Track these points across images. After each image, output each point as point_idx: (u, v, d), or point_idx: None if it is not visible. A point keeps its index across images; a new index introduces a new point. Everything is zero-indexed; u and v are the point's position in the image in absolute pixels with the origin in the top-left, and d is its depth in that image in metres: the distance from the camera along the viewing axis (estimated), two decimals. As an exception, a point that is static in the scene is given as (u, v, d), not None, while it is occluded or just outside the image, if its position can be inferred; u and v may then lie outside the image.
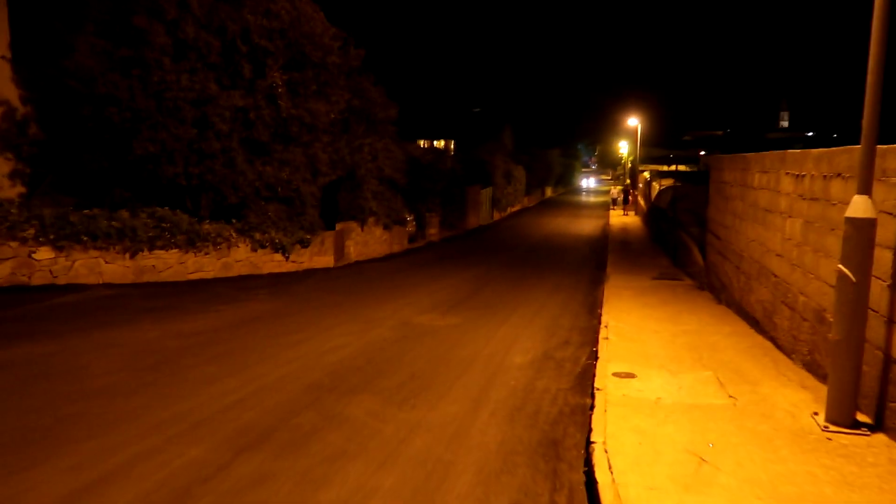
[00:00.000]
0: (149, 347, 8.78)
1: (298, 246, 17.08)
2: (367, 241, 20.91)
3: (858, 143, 5.74)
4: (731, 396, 6.72)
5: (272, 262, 16.57)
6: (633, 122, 43.14)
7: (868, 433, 5.54)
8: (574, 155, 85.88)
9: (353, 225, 19.96)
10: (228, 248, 15.54)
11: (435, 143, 44.90)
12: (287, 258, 16.82)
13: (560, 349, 9.38)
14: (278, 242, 16.30)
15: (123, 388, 6.95)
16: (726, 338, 9.61)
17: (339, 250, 19.35)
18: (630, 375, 7.47)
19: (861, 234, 5.54)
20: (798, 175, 8.52)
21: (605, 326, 10.43)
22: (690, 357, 8.47)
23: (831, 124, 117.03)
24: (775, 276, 9.23)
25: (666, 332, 10.12)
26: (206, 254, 15.12)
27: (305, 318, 11.17)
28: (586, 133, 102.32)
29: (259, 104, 15.12)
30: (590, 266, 20.16)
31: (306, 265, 17.46)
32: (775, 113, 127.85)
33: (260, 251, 16.21)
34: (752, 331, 10.02)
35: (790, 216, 8.78)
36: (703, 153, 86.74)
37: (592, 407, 6.63)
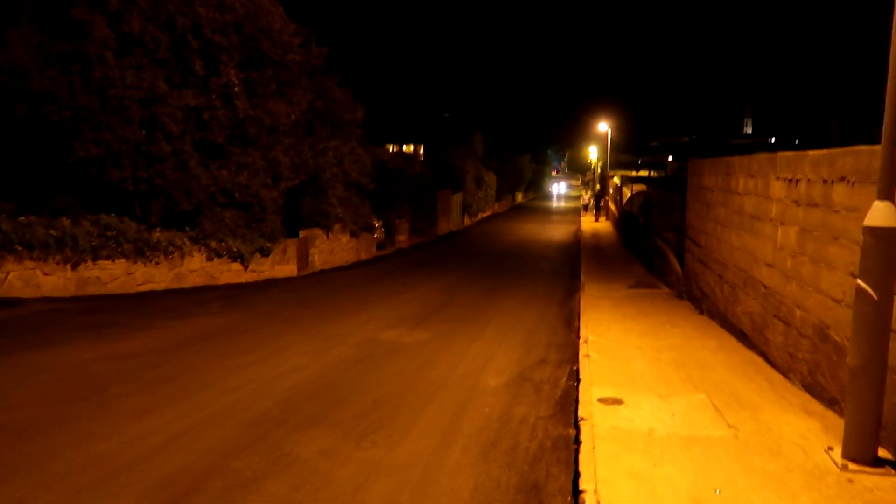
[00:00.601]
0: (77, 372, 7.76)
1: (258, 254, 16.08)
2: (333, 249, 19.96)
3: (827, 147, 5.05)
4: (731, 426, 5.97)
5: (230, 272, 15.54)
6: (604, 126, 42.81)
7: (894, 472, 4.83)
8: (544, 161, 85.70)
9: (318, 232, 19.00)
10: (181, 257, 14.49)
11: (404, 147, 44.05)
12: (246, 268, 15.80)
13: (538, 369, 8.58)
14: (236, 251, 15.28)
15: (32, 425, 5.95)
16: (714, 353, 8.91)
17: (303, 259, 18.37)
18: (617, 401, 6.69)
19: (883, 246, 4.83)
20: (791, 179, 7.85)
21: (585, 342, 9.67)
22: (679, 377, 7.74)
23: (792, 130, 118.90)
24: (765, 287, 8.56)
25: (649, 347, 9.39)
26: (157, 264, 14.05)
27: (260, 334, 10.21)
28: (556, 139, 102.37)
29: (214, 104, 14.12)
30: (564, 274, 19.47)
31: (267, 275, 16.46)
32: (740, 119, 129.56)
33: (216, 260, 15.18)
34: (741, 345, 9.34)
35: (782, 223, 8.11)
36: (670, 159, 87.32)
37: (577, 441, 5.83)
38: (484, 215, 44.02)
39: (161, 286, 14.18)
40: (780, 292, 7.98)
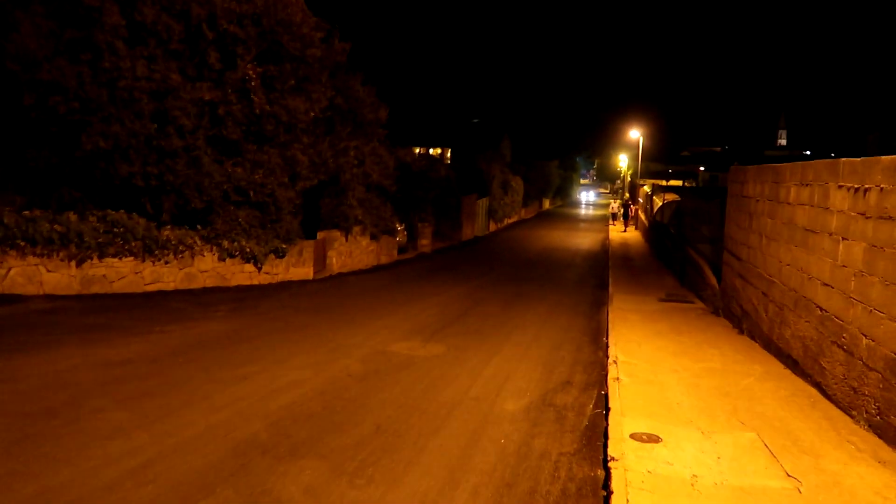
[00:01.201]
0: (57, 381, 7.07)
1: (272, 256, 15.39)
2: (352, 252, 19.23)
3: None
4: (790, 476, 5.04)
5: (242, 274, 14.87)
6: (635, 134, 41.59)
7: None
8: (572, 167, 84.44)
9: (337, 234, 18.29)
10: (192, 256, 13.84)
11: (430, 151, 43.31)
12: (259, 269, 15.12)
13: (561, 392, 7.69)
14: (249, 252, 14.61)
15: (-13, 447, 5.24)
16: (760, 381, 7.94)
17: (320, 261, 17.66)
18: (653, 438, 5.78)
19: None
20: (857, 188, 6.87)
21: (614, 362, 8.75)
22: (723, 408, 6.80)
23: (828, 142, 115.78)
24: (822, 309, 7.57)
25: (686, 370, 8.45)
26: (166, 263, 13.42)
27: (263, 343, 9.46)
28: (585, 146, 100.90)
29: (229, 98, 13.48)
30: (590, 284, 18.50)
31: (281, 277, 15.77)
32: (773, 130, 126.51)
33: (228, 261, 14.52)
34: (790, 372, 8.35)
35: (844, 238, 7.13)
36: (702, 169, 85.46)
37: (607, 487, 4.95)
38: (510, 221, 43.10)
39: (170, 286, 13.55)
40: (841, 317, 6.99)
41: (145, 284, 13.19)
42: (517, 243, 30.91)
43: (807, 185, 8.45)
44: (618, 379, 7.85)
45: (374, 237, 20.59)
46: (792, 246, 8.84)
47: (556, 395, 7.56)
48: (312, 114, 14.84)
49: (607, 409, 6.78)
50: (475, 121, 72.74)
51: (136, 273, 13.02)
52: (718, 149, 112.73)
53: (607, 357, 9.46)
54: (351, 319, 11.45)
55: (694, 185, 71.72)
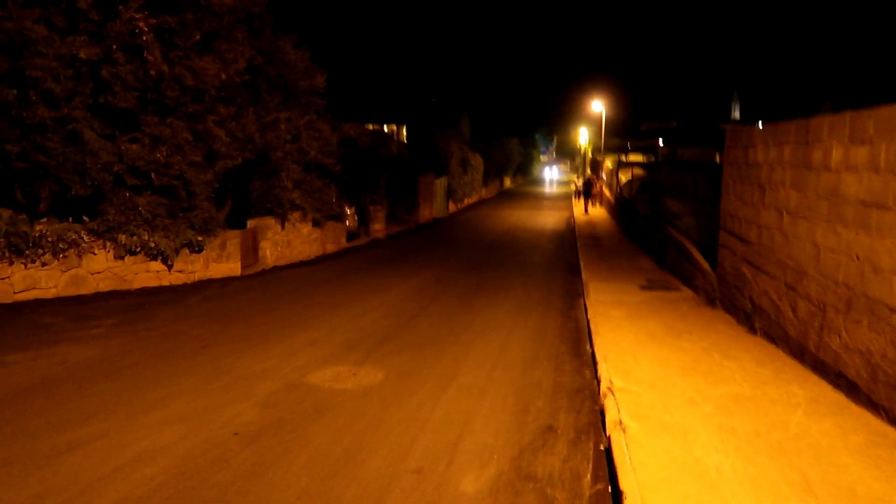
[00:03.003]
0: None
1: (186, 251, 12.64)
2: (290, 241, 16.52)
3: None
4: None
5: (148, 274, 12.10)
6: (598, 106, 39.30)
7: None
8: (533, 144, 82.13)
9: (270, 221, 15.55)
10: (79, 255, 11.04)
11: (385, 128, 40.43)
12: (170, 267, 12.37)
13: (542, 450, 5.25)
14: (154, 247, 11.84)
15: None
16: (814, 418, 5.63)
17: (250, 254, 14.94)
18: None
19: None
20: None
21: (609, 390, 6.37)
22: (787, 478, 4.45)
23: (781, 113, 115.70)
24: (903, 316, 5.28)
25: (706, 399, 6.11)
26: (44, 265, 10.61)
27: (133, 377, 6.83)
28: (544, 123, 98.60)
29: (114, 57, 10.62)
30: (560, 269, 16.16)
31: (199, 275, 13.02)
32: (727, 103, 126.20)
33: (129, 259, 11.74)
34: (846, 399, 6.07)
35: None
36: (661, 143, 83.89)
37: None
38: (470, 201, 40.59)
39: (50, 293, 10.75)
40: (949, 331, 4.70)
41: (15, 293, 10.36)
42: (479, 224, 28.46)
43: (865, 142, 6.11)
44: (620, 424, 5.45)
45: (317, 223, 17.89)
46: (838, 226, 6.53)
47: (536, 455, 5.12)
48: (224, 76, 12.01)
49: (617, 492, 4.36)
50: (433, 100, 69.82)
51: (2, 279, 10.19)
52: (674, 123, 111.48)
53: (597, 379, 7.07)
54: (268, 332, 8.85)
55: (654, 159, 70.15)
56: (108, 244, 11.40)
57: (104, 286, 11.43)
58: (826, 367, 6.61)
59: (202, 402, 6.07)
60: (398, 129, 42.53)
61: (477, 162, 40.75)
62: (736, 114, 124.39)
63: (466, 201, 38.88)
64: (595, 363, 7.64)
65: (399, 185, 27.68)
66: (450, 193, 34.41)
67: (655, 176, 19.94)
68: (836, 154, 6.62)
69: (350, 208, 22.03)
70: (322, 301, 11.28)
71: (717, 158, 71.21)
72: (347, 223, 21.64)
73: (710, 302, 11.15)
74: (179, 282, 12.57)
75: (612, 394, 6.26)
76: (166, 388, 6.44)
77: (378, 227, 23.45)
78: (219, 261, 13.51)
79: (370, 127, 26.79)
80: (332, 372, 7.11)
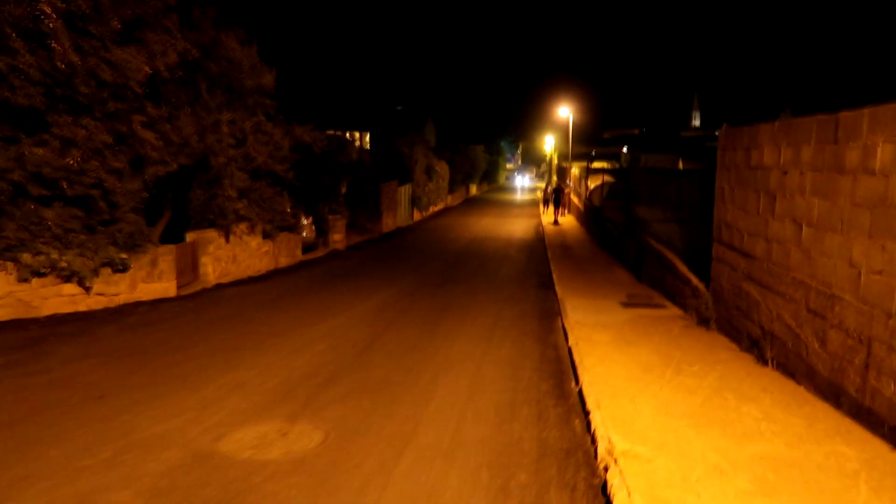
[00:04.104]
0: None
1: (108, 270, 10.84)
2: (236, 256, 14.78)
3: None
4: None
5: (60, 299, 10.29)
6: (564, 112, 38.18)
7: None
8: (498, 152, 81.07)
9: (212, 234, 13.80)
10: (-29, 279, 9.19)
11: (349, 134, 38.68)
12: (88, 290, 10.57)
13: (531, 563, 3.73)
14: (67, 267, 10.03)
15: None
16: (886, 497, 4.22)
17: (189, 271, 13.17)
18: None
19: None
20: None
21: (610, 454, 4.89)
22: None
23: (738, 123, 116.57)
24: None
25: (739, 468, 4.65)
26: (-76, 291, 8.74)
27: (-10, 449, 5.11)
28: (510, 130, 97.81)
29: (12, 46, 8.85)
30: (532, 284, 14.73)
31: (124, 298, 11.23)
32: (688, 111, 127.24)
33: (36, 281, 9.92)
34: (915, 465, 4.69)
35: None
36: (625, 149, 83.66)
37: None
38: (436, 209, 39.09)
39: (-67, 325, 8.89)
40: None
41: None
42: (444, 234, 26.95)
43: (926, 138, 4.76)
44: (635, 516, 3.96)
45: (267, 235, 16.17)
46: (889, 242, 5.17)
47: (523, 574, 3.59)
48: (149, 69, 10.27)
49: None
50: (399, 108, 68.37)
51: None
52: (637, 130, 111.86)
53: (591, 434, 5.59)
54: (188, 373, 7.17)
55: (618, 165, 69.73)
56: (10, 265, 9.57)
57: (4, 314, 9.59)
58: (875, 417, 5.23)
59: (65, 490, 4.40)
60: (361, 135, 40.89)
61: (442, 169, 39.30)
62: (696, 121, 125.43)
63: (432, 209, 37.38)
64: (586, 410, 6.16)
65: (361, 193, 26.05)
66: (414, 201, 32.87)
67: (631, 182, 18.67)
68: (885, 153, 5.27)
69: (307, 218, 20.34)
70: (262, 328, 9.62)
71: (680, 165, 70.98)
72: (304, 234, 19.95)
73: (703, 322, 9.81)
74: (100, 306, 10.77)
75: (615, 461, 4.78)
76: (24, 467, 4.75)
77: (338, 238, 21.77)
78: (149, 280, 11.73)
79: (333, 133, 25.10)
80: (256, 433, 5.49)
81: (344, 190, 25.50)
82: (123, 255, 10.90)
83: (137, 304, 11.15)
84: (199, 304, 11.47)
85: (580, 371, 7.34)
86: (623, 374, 7.25)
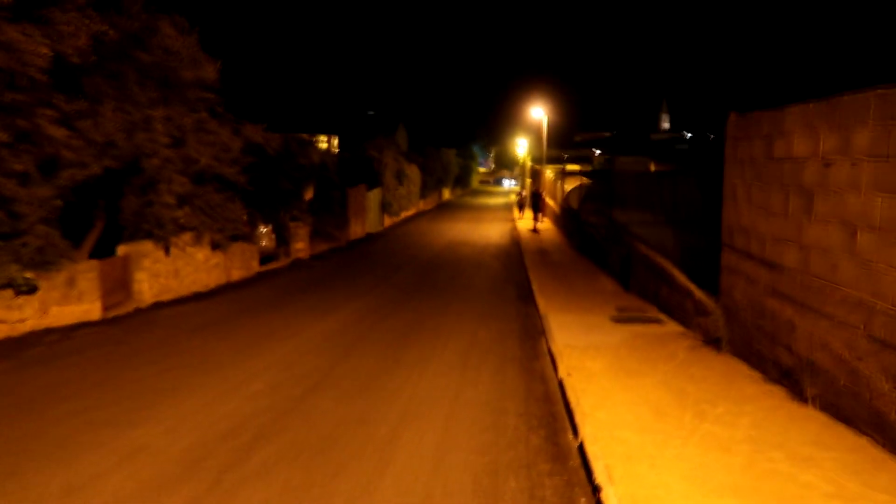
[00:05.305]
0: None
1: (11, 292, 8.98)
2: (179, 271, 12.94)
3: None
4: None
5: (-54, 328, 8.40)
6: (538, 113, 36.83)
7: None
8: (471, 156, 79.51)
9: (149, 247, 11.96)
10: None
11: (317, 138, 36.78)
12: (-16, 317, 8.69)
13: None
14: (-47, 291, 8.17)
15: None
16: None
17: (118, 290, 11.33)
18: None
19: None
20: None
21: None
22: None
23: (705, 126, 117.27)
24: None
25: None
26: None
27: None
28: (482, 134, 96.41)
29: None
30: (510, 296, 13.16)
31: (33, 324, 9.36)
32: (656, 115, 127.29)
33: (-88, 309, 8.03)
34: None
35: None
36: (598, 153, 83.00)
37: None
38: (408, 214, 37.37)
39: None
40: None
41: None
42: (416, 240, 25.28)
43: None
44: None
45: (217, 246, 14.34)
46: None
47: None
48: (45, 51, 8.45)
49: None
50: (370, 113, 66.58)
51: None
52: (608, 133, 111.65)
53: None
54: (65, 436, 5.40)
55: (590, 168, 68.82)
56: None
57: None
58: None
59: None
60: (330, 139, 39.02)
61: (414, 173, 37.64)
62: (665, 124, 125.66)
63: (403, 214, 35.66)
64: (594, 484, 4.54)
65: (326, 199, 24.29)
66: (385, 206, 31.13)
67: (615, 183, 17.20)
68: None
69: (265, 226, 18.50)
70: (191, 360, 7.86)
71: (652, 167, 70.42)
72: (264, 243, 18.10)
73: (712, 342, 8.30)
74: (1, 335, 8.89)
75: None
76: None
77: (300, 247, 19.97)
78: (65, 302, 9.87)
79: (295, 135, 23.29)
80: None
81: (309, 196, 23.72)
82: (28, 275, 9.04)
83: (47, 332, 9.29)
84: (124, 331, 9.65)
85: (578, 417, 5.75)
86: (632, 421, 5.67)
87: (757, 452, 4.88)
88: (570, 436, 5.60)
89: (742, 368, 7.26)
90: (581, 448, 5.20)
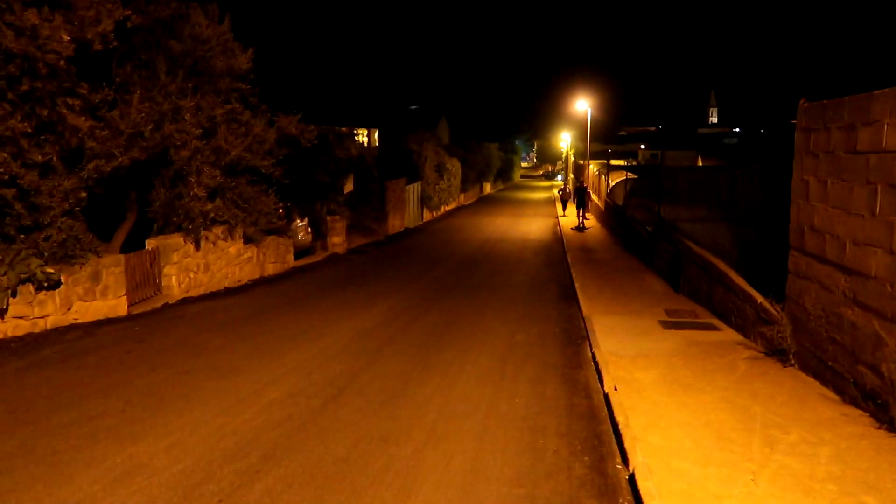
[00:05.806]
0: None
1: (31, 287, 8.67)
2: (210, 265, 12.60)
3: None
4: None
5: (-35, 324, 8.13)
6: (583, 105, 35.69)
7: None
8: (513, 150, 78.45)
9: (178, 240, 11.62)
10: None
11: (356, 131, 36.40)
12: (3, 312, 8.39)
13: None
14: (-29, 285, 7.88)
15: None
16: None
17: (147, 285, 11.02)
18: None
19: None
20: None
21: None
22: None
23: (755, 120, 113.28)
24: None
25: None
26: None
27: None
28: (525, 128, 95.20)
29: None
30: (551, 295, 12.42)
31: (55, 320, 9.06)
32: (704, 108, 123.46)
33: (-70, 303, 7.77)
34: None
35: None
36: (643, 147, 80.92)
37: None
38: (448, 208, 36.75)
39: None
40: None
41: None
42: (455, 235, 24.65)
43: None
44: None
45: (250, 240, 13.97)
46: None
47: None
48: (65, 37, 8.07)
49: None
50: (413, 107, 66.14)
51: None
52: (654, 128, 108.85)
53: None
54: (60, 451, 4.93)
55: (635, 163, 67.16)
56: None
57: None
58: None
59: None
60: (370, 132, 38.62)
61: (454, 167, 36.96)
62: (714, 118, 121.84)
63: (444, 208, 35.07)
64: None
65: (365, 192, 23.88)
66: (424, 200, 30.57)
67: (664, 178, 16.21)
68: None
69: (302, 220, 18.11)
70: (209, 363, 7.38)
71: (699, 162, 67.96)
72: (300, 237, 17.70)
73: (776, 353, 7.43)
74: (22, 332, 8.59)
75: None
76: None
77: (337, 241, 19.55)
78: (89, 297, 9.55)
79: (332, 128, 22.88)
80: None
81: (349, 189, 23.31)
82: (50, 270, 8.72)
83: (70, 328, 8.97)
84: (147, 328, 9.27)
85: (628, 442, 5.02)
86: (691, 448, 4.92)
87: (846, 495, 4.08)
88: (619, 463, 4.88)
89: (813, 386, 6.40)
90: (632, 481, 4.48)
